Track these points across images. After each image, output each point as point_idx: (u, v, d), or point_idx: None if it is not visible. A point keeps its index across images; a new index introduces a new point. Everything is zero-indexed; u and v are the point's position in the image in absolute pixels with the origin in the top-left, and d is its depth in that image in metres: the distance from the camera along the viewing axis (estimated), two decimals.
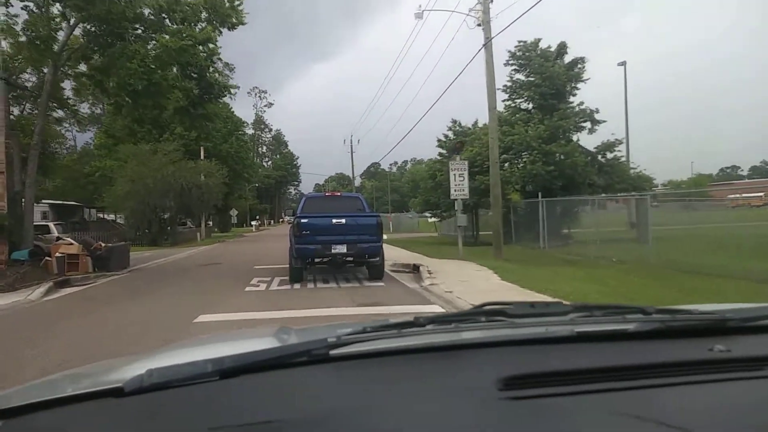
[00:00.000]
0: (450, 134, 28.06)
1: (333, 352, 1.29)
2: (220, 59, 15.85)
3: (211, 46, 15.14)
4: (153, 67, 13.83)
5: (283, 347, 1.41)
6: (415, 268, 15.11)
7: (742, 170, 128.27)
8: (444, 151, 28.39)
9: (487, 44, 17.08)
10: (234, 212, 50.62)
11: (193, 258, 24.15)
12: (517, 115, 24.92)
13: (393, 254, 20.43)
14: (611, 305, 1.59)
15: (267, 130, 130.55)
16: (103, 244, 17.65)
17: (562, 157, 22.28)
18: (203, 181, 36.65)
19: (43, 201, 43.70)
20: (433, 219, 43.08)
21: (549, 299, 8.53)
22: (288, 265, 13.60)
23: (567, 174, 22.34)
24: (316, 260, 13.17)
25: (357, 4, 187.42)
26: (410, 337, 1.37)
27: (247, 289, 12.42)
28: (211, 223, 63.90)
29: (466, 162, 18.20)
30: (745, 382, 1.22)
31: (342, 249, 12.70)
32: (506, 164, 23.39)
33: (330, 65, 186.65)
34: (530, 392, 1.12)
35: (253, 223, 68.44)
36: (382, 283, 12.97)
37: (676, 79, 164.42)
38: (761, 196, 46.18)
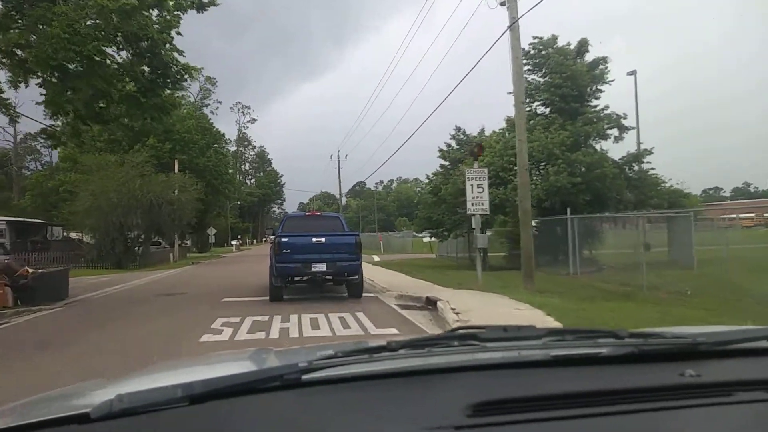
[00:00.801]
0: (453, 143, 24.89)
1: (305, 377, 1.27)
2: (179, 33, 12.44)
3: (167, 16, 11.75)
4: (84, 35, 10.34)
5: (255, 372, 1.47)
6: (430, 303, 11.70)
7: (725, 191, 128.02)
8: (446, 162, 25.22)
9: (513, 26, 13.92)
10: (212, 231, 46.82)
11: (156, 285, 20.46)
12: (531, 122, 21.83)
13: (394, 281, 16.92)
14: (583, 329, 1.58)
15: (250, 147, 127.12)
16: (30, 270, 13.94)
17: (583, 168, 19.17)
18: (175, 197, 32.94)
19: None
20: (428, 239, 39.77)
21: None
22: (267, 296, 13.32)
23: (594, 187, 19.17)
24: (296, 278, 13.09)
25: (345, 24, 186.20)
26: (382, 361, 1.36)
27: (204, 338, 8.82)
28: (189, 242, 59.94)
29: (486, 170, 14.91)
30: (715, 408, 1.23)
31: (322, 267, 12.71)
32: None
33: (316, 85, 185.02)
34: (500, 418, 1.13)
35: (234, 242, 64.46)
36: (392, 330, 9.54)
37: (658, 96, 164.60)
38: (752, 217, 44.52)
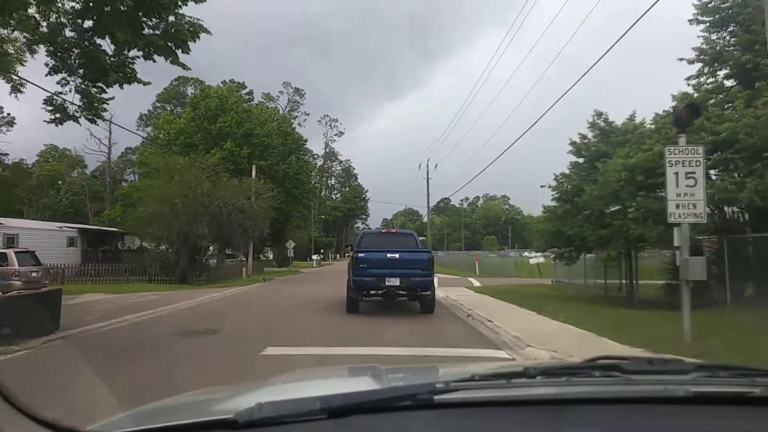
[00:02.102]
0: (588, 134, 18.75)
1: (438, 397, 1.24)
2: None
3: None
4: None
5: (389, 389, 1.43)
6: None
7: None
8: (579, 159, 19.10)
9: None
10: (291, 245, 43.00)
11: (202, 310, 15.98)
12: (711, 101, 15.42)
13: (527, 327, 11.02)
14: (738, 366, 1.48)
15: (337, 161, 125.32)
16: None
17: None
18: (247, 204, 28.94)
19: (68, 225, 37.99)
20: (535, 260, 33.40)
21: None
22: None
23: None
24: (372, 292, 13.67)
25: (432, 43, 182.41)
26: (519, 388, 1.31)
27: None
28: (269, 255, 56.84)
29: (701, 148, 8.92)
30: None
31: (395, 282, 13.20)
32: (714, 173, 13.84)
33: (404, 102, 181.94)
34: None
35: (314, 257, 60.76)
36: None
37: None
38: None
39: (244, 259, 39.35)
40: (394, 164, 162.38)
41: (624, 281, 18.79)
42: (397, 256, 13.37)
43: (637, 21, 12.13)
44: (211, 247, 32.03)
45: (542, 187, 18.53)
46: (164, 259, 27.86)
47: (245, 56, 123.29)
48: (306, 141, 47.04)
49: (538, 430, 1.20)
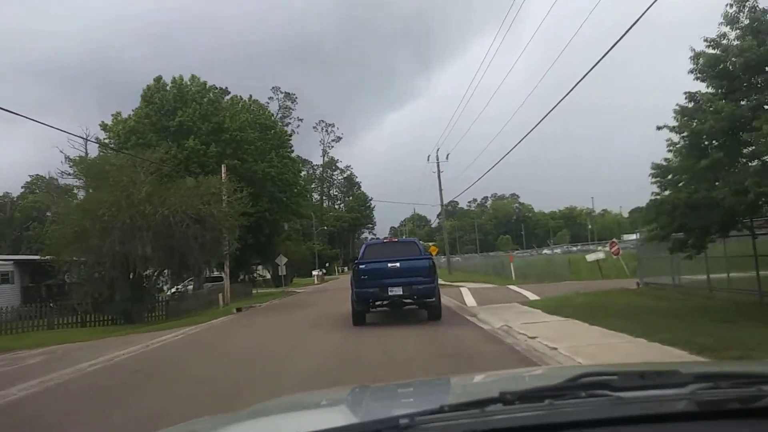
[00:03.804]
0: (730, 32, 11.04)
1: None
2: None
3: None
4: None
5: (348, 427, 1.32)
6: None
7: None
8: (708, 90, 11.39)
9: None
10: (282, 260, 35.39)
11: (106, 378, 8.45)
12: None
13: None
14: (742, 373, 1.38)
15: (337, 170, 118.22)
16: None
17: None
18: (204, 210, 21.37)
19: (1, 258, 30.77)
20: (595, 256, 25.66)
21: None
22: None
23: None
24: (377, 303, 13.60)
25: (430, 51, 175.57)
26: (495, 416, 1.19)
27: None
28: (268, 274, 49.19)
29: None
30: None
31: (398, 291, 13.18)
32: None
33: (405, 111, 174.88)
34: None
35: (315, 272, 53.03)
36: None
37: None
38: None
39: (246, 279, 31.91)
40: (399, 169, 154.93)
41: None
42: (398, 265, 13.33)
43: None
44: (166, 272, 24.53)
45: (659, 129, 10.91)
46: (96, 293, 20.33)
47: (239, 71, 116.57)
48: (291, 136, 39.49)
49: None
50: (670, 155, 11.51)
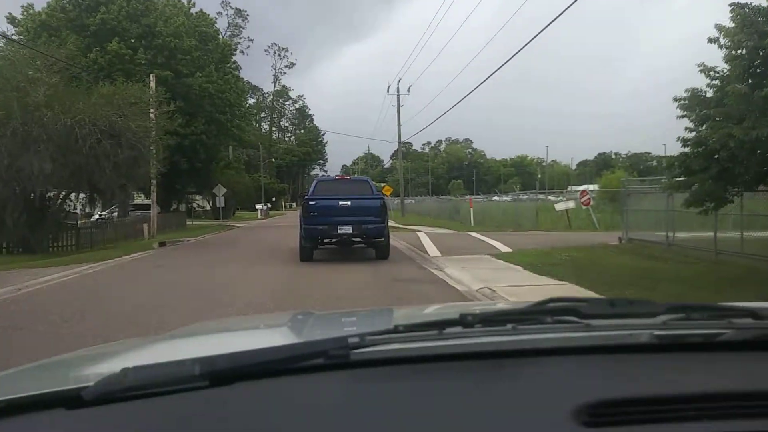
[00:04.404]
0: None
1: (354, 353, 1.02)
2: None
3: None
4: None
5: (291, 346, 1.20)
6: None
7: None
8: None
9: None
10: (220, 190, 31.85)
11: None
12: None
13: None
14: (718, 306, 1.26)
15: (289, 99, 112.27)
16: None
17: None
18: (120, 122, 17.63)
19: None
20: (564, 205, 23.65)
21: None
22: None
23: None
24: (325, 240, 13.47)
25: None
26: (454, 339, 1.09)
27: None
28: (208, 206, 45.40)
29: None
30: None
31: (348, 230, 13.02)
32: None
33: (363, 46, 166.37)
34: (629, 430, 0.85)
35: (259, 206, 49.56)
36: None
37: None
38: None
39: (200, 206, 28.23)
40: (354, 104, 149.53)
41: None
42: (348, 203, 13.19)
43: None
44: (79, 195, 20.86)
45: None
46: None
47: None
48: (235, 49, 34.88)
49: (477, 388, 0.99)
50: (701, 84, 8.97)
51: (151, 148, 18.78)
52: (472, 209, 28.93)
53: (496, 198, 58.03)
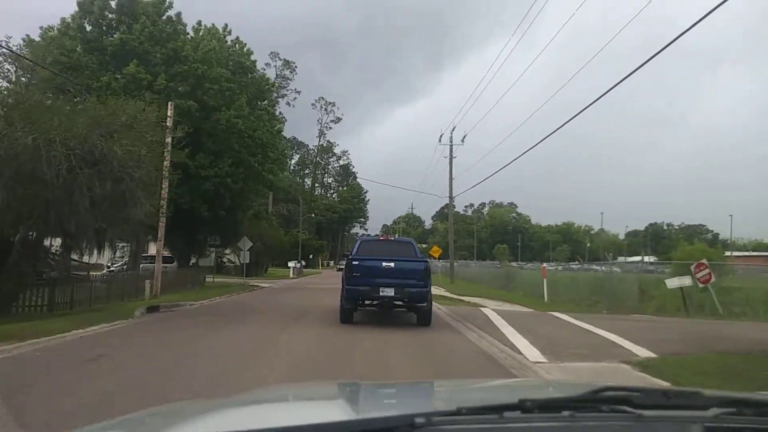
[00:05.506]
0: None
1: None
2: None
3: None
4: None
5: (358, 422, 1.23)
6: None
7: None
8: None
9: None
10: (245, 244, 27.41)
11: None
12: None
13: None
14: (766, 402, 1.27)
15: (333, 156, 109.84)
16: None
17: None
18: (102, 144, 13.33)
19: None
20: (678, 282, 17.99)
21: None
22: None
23: None
24: (366, 302, 13.33)
25: (441, 50, 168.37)
26: (514, 423, 1.14)
27: None
28: (237, 260, 41.03)
29: None
30: None
31: (390, 292, 12.86)
32: None
33: (409, 109, 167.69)
34: None
35: (291, 264, 44.90)
36: None
37: None
38: None
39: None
40: (398, 164, 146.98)
41: None
42: (392, 265, 13.04)
43: None
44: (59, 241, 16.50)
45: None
46: None
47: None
48: (274, 85, 31.23)
49: None
50: None
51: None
52: (545, 280, 23.31)
53: (574, 265, 52.31)
